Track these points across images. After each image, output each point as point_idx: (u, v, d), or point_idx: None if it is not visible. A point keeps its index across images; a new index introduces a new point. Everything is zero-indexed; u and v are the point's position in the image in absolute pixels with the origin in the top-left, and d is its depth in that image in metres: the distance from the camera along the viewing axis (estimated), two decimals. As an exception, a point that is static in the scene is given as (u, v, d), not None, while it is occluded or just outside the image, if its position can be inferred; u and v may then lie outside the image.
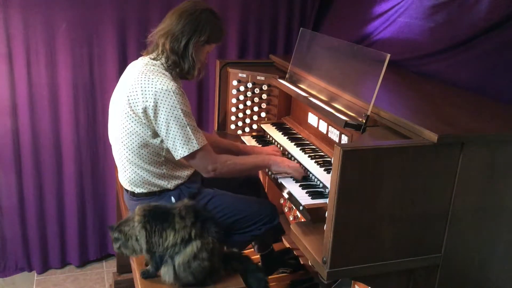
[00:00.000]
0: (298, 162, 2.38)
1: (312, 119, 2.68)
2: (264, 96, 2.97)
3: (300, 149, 2.53)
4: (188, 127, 2.06)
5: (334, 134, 2.45)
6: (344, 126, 2.07)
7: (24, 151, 3.06)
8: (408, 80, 2.57)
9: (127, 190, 2.27)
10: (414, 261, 1.80)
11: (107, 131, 2.31)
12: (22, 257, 3.25)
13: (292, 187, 2.20)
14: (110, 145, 2.29)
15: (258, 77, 2.96)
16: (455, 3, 2.48)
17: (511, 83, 2.18)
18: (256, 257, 2.63)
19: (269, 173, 2.40)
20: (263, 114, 3.01)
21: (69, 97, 3.05)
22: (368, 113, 2.01)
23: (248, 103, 2.99)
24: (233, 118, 3.04)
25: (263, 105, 2.99)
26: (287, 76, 2.82)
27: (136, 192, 2.22)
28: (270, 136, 2.80)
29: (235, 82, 2.99)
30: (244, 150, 2.54)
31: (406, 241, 1.77)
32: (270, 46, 3.44)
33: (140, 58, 2.24)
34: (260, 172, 2.98)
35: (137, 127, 2.08)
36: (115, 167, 2.37)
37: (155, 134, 2.10)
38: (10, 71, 2.93)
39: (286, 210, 3.15)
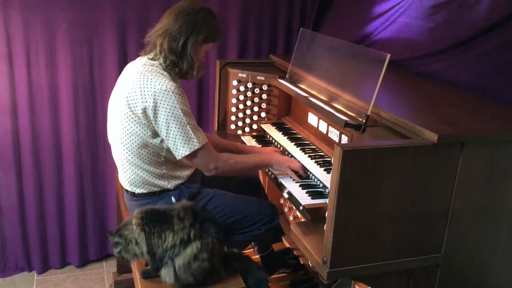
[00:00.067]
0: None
1: (312, 119, 2.68)
2: (264, 96, 2.97)
3: (300, 149, 2.53)
4: (188, 126, 2.06)
5: (334, 134, 2.45)
6: (344, 126, 2.07)
7: (24, 151, 3.06)
8: (408, 80, 2.57)
9: (127, 191, 2.27)
10: (414, 261, 1.80)
11: (107, 131, 2.31)
12: (22, 257, 3.25)
13: (292, 187, 2.20)
14: (110, 145, 2.29)
15: (258, 77, 2.96)
16: (455, 3, 2.48)
17: (511, 83, 2.18)
18: (255, 257, 2.63)
19: (269, 173, 2.40)
20: (263, 114, 3.01)
21: (69, 97, 3.05)
22: (368, 113, 2.01)
23: (248, 103, 2.99)
24: (233, 118, 3.04)
25: (263, 105, 2.99)
26: (287, 76, 2.82)
27: (136, 193, 2.22)
28: (270, 136, 2.80)
29: (235, 82, 2.99)
30: (243, 150, 2.54)
31: (406, 241, 1.77)
32: (270, 46, 3.44)
33: (138, 58, 2.24)
34: (260, 172, 2.98)
35: (136, 127, 2.08)
36: (115, 167, 2.37)
37: (155, 134, 2.10)
38: (10, 71, 2.93)
39: (286, 210, 3.15)
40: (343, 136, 2.36)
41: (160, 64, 2.15)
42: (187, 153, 2.08)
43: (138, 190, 2.21)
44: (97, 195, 3.31)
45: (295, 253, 2.85)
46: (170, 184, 2.20)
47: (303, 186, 2.20)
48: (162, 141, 2.11)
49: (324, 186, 2.16)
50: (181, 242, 1.91)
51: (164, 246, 1.91)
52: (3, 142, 3.02)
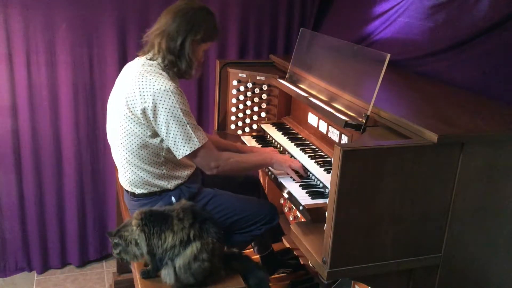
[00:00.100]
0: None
1: (312, 119, 2.68)
2: (264, 96, 2.97)
3: (300, 149, 2.53)
4: (188, 126, 2.06)
5: (334, 134, 2.45)
6: (344, 126, 2.07)
7: (24, 151, 3.06)
8: (408, 80, 2.57)
9: (127, 191, 2.27)
10: (414, 261, 1.81)
11: (106, 131, 2.31)
12: (22, 257, 3.25)
13: (292, 187, 2.20)
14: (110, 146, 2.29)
15: (258, 77, 2.96)
16: (455, 3, 2.48)
17: (511, 83, 2.18)
18: (255, 257, 2.63)
19: (269, 173, 2.40)
20: (263, 114, 3.01)
21: (69, 97, 3.05)
22: (368, 113, 2.01)
23: (248, 103, 2.99)
24: (233, 118, 3.04)
25: (263, 105, 2.99)
26: (287, 76, 2.82)
27: (136, 193, 2.22)
28: (270, 136, 2.80)
29: (235, 82, 2.99)
30: (243, 151, 2.54)
31: (406, 241, 1.77)
32: (270, 46, 3.44)
33: (136, 59, 2.24)
34: (260, 172, 2.99)
35: (136, 128, 2.08)
36: (115, 167, 2.37)
37: (154, 134, 2.10)
38: (10, 71, 2.92)
39: (286, 210, 3.16)
40: (343, 136, 2.36)
41: (159, 64, 2.15)
42: (187, 152, 2.08)
43: (138, 191, 2.21)
44: (97, 195, 3.31)
45: (295, 253, 2.85)
46: (170, 184, 2.20)
47: (303, 186, 2.20)
48: (161, 141, 2.11)
49: (324, 186, 2.16)
50: (181, 242, 1.91)
51: (164, 247, 1.91)
52: (3, 142, 3.02)
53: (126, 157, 2.15)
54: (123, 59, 3.08)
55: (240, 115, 3.01)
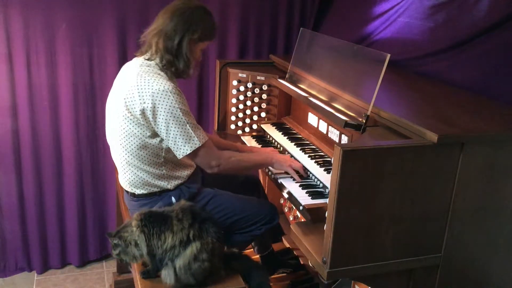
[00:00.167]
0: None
1: (312, 119, 2.68)
2: (264, 96, 2.97)
3: (300, 149, 2.53)
4: (188, 125, 2.06)
5: (334, 134, 2.45)
6: (344, 126, 2.07)
7: (24, 151, 3.06)
8: (408, 80, 2.57)
9: (127, 191, 2.27)
10: (414, 261, 1.81)
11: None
12: (22, 257, 3.25)
13: (292, 187, 2.20)
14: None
15: (258, 77, 2.96)
16: (455, 3, 2.48)
17: (511, 83, 2.18)
18: (255, 257, 2.63)
19: (269, 173, 2.40)
20: (263, 114, 3.01)
21: (69, 97, 3.05)
22: (368, 113, 2.01)
23: (248, 103, 2.99)
24: (233, 118, 3.04)
25: (263, 105, 2.99)
26: (287, 76, 2.82)
27: (136, 193, 2.21)
28: (270, 136, 2.80)
29: (235, 82, 2.99)
30: (243, 151, 2.54)
31: (406, 241, 1.77)
32: (270, 46, 3.44)
33: (134, 59, 2.23)
34: (260, 172, 2.99)
35: (135, 128, 2.08)
36: (115, 167, 2.37)
37: (154, 135, 2.09)
38: (10, 71, 2.93)
39: (286, 210, 3.16)
40: (343, 136, 2.36)
41: (157, 64, 2.14)
42: (188, 152, 2.08)
43: (138, 191, 2.21)
44: (97, 195, 3.31)
45: (295, 253, 2.85)
46: (170, 185, 2.20)
47: (303, 186, 2.20)
48: (161, 141, 2.11)
49: (324, 186, 2.16)
50: (181, 242, 1.91)
51: (164, 247, 1.91)
52: (3, 142, 3.02)
53: (126, 158, 2.15)
54: (123, 59, 3.08)
55: (240, 115, 3.01)
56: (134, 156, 2.12)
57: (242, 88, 2.98)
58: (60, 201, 3.22)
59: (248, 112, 3.01)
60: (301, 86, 2.66)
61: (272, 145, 2.74)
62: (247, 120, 3.01)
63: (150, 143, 2.10)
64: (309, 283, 2.71)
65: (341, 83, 2.32)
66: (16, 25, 2.86)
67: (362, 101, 2.10)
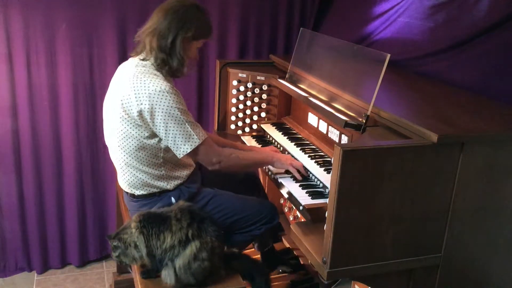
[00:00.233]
0: (298, 162, 2.38)
1: (312, 119, 2.68)
2: (264, 96, 2.97)
3: (300, 149, 2.53)
4: (187, 124, 2.06)
5: (334, 134, 2.45)
6: (344, 126, 2.07)
7: (24, 151, 3.06)
8: (408, 80, 2.57)
9: (126, 192, 2.27)
10: (414, 261, 1.81)
11: (106, 132, 2.30)
12: (22, 257, 3.25)
13: (292, 187, 2.20)
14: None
15: (258, 77, 2.96)
16: (455, 3, 2.48)
17: (511, 83, 2.18)
18: (257, 257, 2.63)
19: (269, 173, 2.40)
20: (263, 114, 3.01)
21: (69, 97, 3.05)
22: (368, 113, 2.01)
23: (248, 103, 2.99)
24: (233, 118, 3.04)
25: (263, 105, 2.99)
26: (287, 76, 2.82)
27: (136, 194, 2.21)
28: (270, 136, 2.80)
29: (235, 82, 2.99)
30: (243, 149, 2.53)
31: (406, 241, 1.77)
32: (270, 46, 3.44)
33: (129, 59, 2.22)
34: (260, 172, 2.99)
35: (133, 129, 2.07)
36: (115, 167, 2.37)
37: (152, 135, 2.09)
38: (10, 71, 2.92)
39: (286, 210, 3.16)
40: (343, 136, 2.36)
41: (152, 64, 2.12)
42: (188, 150, 2.07)
43: (137, 192, 2.20)
44: (97, 195, 3.31)
45: (295, 253, 2.85)
46: (169, 185, 2.20)
47: (303, 186, 2.20)
48: (159, 141, 2.10)
49: (324, 186, 2.16)
50: (180, 242, 1.91)
51: (163, 247, 1.91)
52: (3, 142, 3.02)
53: (124, 159, 2.14)
54: (123, 59, 3.05)
55: (240, 115, 3.01)
56: (132, 157, 2.12)
57: (242, 88, 2.98)
58: (60, 201, 3.22)
59: (248, 112, 3.00)
60: (301, 86, 2.66)
61: (272, 145, 2.74)
62: (247, 120, 3.01)
63: (148, 144, 2.10)
64: (309, 283, 2.71)
65: (341, 83, 2.32)
66: (16, 25, 2.86)
67: (362, 101, 2.10)
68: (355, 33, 3.06)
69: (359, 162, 1.61)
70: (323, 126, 2.56)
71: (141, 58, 2.15)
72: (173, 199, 2.19)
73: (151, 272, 2.00)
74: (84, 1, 2.95)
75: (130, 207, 2.30)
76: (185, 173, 2.24)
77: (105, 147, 3.16)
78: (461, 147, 1.72)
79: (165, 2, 2.16)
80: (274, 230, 2.68)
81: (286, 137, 2.72)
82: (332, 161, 1.63)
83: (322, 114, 2.38)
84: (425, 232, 1.78)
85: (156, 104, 2.01)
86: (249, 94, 2.97)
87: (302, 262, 2.81)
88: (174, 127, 2.04)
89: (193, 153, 2.10)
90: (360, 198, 1.65)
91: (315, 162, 2.36)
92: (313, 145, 2.59)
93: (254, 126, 3.01)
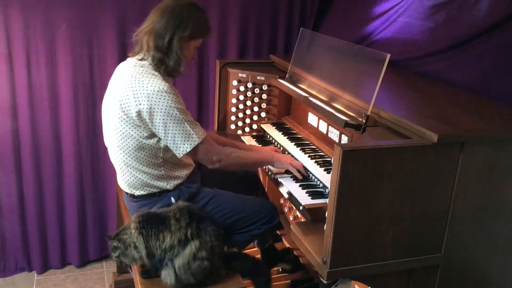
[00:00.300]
0: (298, 162, 2.38)
1: (312, 119, 2.68)
2: (264, 96, 2.97)
3: (300, 149, 2.53)
4: (186, 123, 2.05)
5: (334, 134, 2.45)
6: (344, 126, 2.07)
7: (24, 151, 3.06)
8: (408, 80, 2.57)
9: (126, 193, 2.27)
10: (414, 261, 1.81)
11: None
12: (22, 257, 3.25)
13: (292, 187, 2.20)
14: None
15: (258, 77, 2.96)
16: (455, 3, 2.48)
17: (511, 83, 2.18)
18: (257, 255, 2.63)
19: (269, 172, 2.40)
20: (263, 114, 3.01)
21: (69, 97, 3.05)
22: (368, 113, 2.01)
23: (248, 103, 2.99)
24: (233, 118, 3.04)
25: (263, 105, 2.99)
26: (287, 76, 2.82)
27: (136, 195, 2.21)
28: (270, 136, 2.80)
29: (235, 82, 2.99)
30: (243, 149, 2.54)
31: (406, 241, 1.77)
32: (270, 46, 3.44)
33: (128, 59, 2.21)
34: (260, 172, 2.99)
35: (131, 130, 2.07)
36: (115, 168, 2.37)
37: (151, 135, 2.08)
38: (10, 71, 2.92)
39: (286, 210, 3.16)
40: (343, 136, 2.36)
41: (150, 64, 2.12)
42: (188, 149, 2.07)
43: (137, 192, 2.20)
44: (97, 195, 3.31)
45: (295, 253, 2.85)
46: (169, 185, 2.20)
47: (303, 186, 2.20)
48: (158, 141, 2.10)
49: (324, 186, 2.16)
50: (179, 242, 1.91)
51: (162, 247, 1.91)
52: (3, 142, 3.02)
53: (124, 160, 2.14)
54: (123, 59, 3.02)
55: (240, 115, 3.01)
56: (131, 158, 2.12)
57: (242, 88, 2.98)
58: (60, 201, 3.22)
59: (248, 112, 3.01)
60: (301, 86, 2.66)
61: (272, 145, 2.74)
62: (247, 120, 3.01)
63: (148, 144, 2.10)
64: (309, 283, 2.71)
65: (341, 83, 2.32)
66: (16, 25, 2.86)
67: (362, 101, 2.10)
68: (355, 33, 3.06)
69: (359, 162, 1.61)
70: (323, 126, 2.56)
71: (139, 58, 2.14)
72: (172, 199, 2.19)
73: (151, 272, 2.00)
74: (84, 1, 2.95)
75: (130, 207, 2.30)
76: (184, 173, 2.24)
77: (105, 147, 3.17)
78: (461, 147, 1.72)
79: (163, 2, 2.15)
80: (274, 229, 2.68)
81: (286, 137, 2.72)
82: (332, 161, 1.63)
83: (322, 114, 2.38)
84: (425, 232, 1.78)
85: (154, 104, 2.01)
86: (249, 94, 2.97)
87: (302, 262, 2.81)
88: (173, 126, 2.04)
89: (193, 152, 2.10)
90: (360, 198, 1.65)
91: (315, 162, 2.36)
92: (313, 145, 2.59)
93: (254, 126, 3.01)
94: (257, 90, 2.96)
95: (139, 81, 2.03)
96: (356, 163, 1.60)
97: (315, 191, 2.15)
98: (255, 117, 3.00)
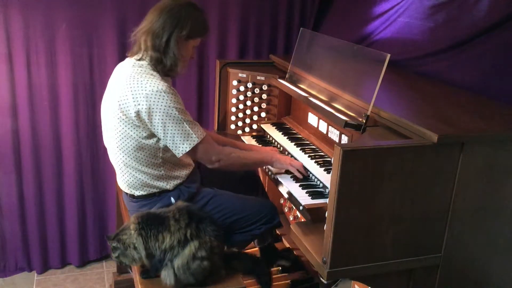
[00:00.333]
0: (298, 162, 2.38)
1: (312, 119, 2.68)
2: (264, 96, 2.97)
3: (300, 149, 2.53)
4: (185, 123, 2.05)
5: (334, 134, 2.45)
6: (344, 126, 2.07)
7: (24, 151, 3.06)
8: (408, 80, 2.57)
9: (126, 193, 2.27)
10: (414, 261, 1.81)
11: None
12: (22, 257, 3.25)
13: (292, 187, 2.20)
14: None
15: (258, 77, 2.96)
16: (455, 3, 2.48)
17: (511, 83, 2.18)
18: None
19: (269, 173, 2.40)
20: (263, 114, 3.01)
21: (69, 97, 3.05)
22: (368, 113, 2.01)
23: (248, 103, 2.99)
24: (233, 118, 3.04)
25: (263, 105, 2.99)
26: (287, 76, 2.82)
27: (135, 195, 2.21)
28: (270, 136, 2.80)
29: (235, 82, 2.99)
30: (243, 149, 2.54)
31: (406, 241, 1.77)
32: (270, 46, 3.44)
33: (126, 59, 2.21)
34: (260, 172, 2.99)
35: (130, 130, 2.07)
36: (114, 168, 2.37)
37: (150, 135, 2.08)
38: (10, 71, 2.92)
39: (286, 210, 3.16)
40: (343, 136, 2.36)
41: (148, 64, 2.12)
42: (187, 149, 2.07)
43: (137, 192, 2.20)
44: (97, 195, 3.31)
45: (295, 253, 2.85)
46: (169, 185, 2.20)
47: (303, 186, 2.20)
48: (157, 141, 2.09)
49: (324, 186, 2.16)
50: (179, 242, 1.91)
51: (162, 248, 1.91)
52: (3, 142, 3.02)
53: (123, 160, 2.14)
54: (123, 59, 3.05)
55: (240, 115, 3.01)
56: (131, 158, 2.12)
57: (242, 88, 2.98)
58: (60, 201, 3.22)
59: (248, 112, 3.01)
60: (301, 86, 2.66)
61: (272, 145, 2.74)
62: (247, 120, 3.01)
63: (147, 144, 2.09)
64: (309, 283, 2.70)
65: (341, 83, 2.32)
66: (16, 25, 2.86)
67: (362, 101, 2.10)
68: (355, 33, 3.06)
69: (359, 162, 1.61)
70: (323, 126, 2.56)
71: (137, 58, 2.14)
72: (172, 199, 2.19)
73: (151, 272, 2.00)
74: (84, 1, 2.95)
75: (130, 207, 2.30)
76: (184, 172, 2.24)
77: (105, 147, 3.18)
78: (461, 147, 1.72)
79: (161, 1, 2.15)
80: (274, 229, 2.68)
81: (286, 137, 2.72)
82: (332, 161, 1.63)
83: (322, 114, 2.38)
84: (425, 232, 1.78)
85: (153, 104, 2.00)
86: (249, 94, 2.97)
87: (301, 262, 2.81)
88: (172, 126, 2.04)
89: (192, 151, 2.09)
90: (360, 198, 1.65)
91: (315, 162, 2.36)
92: (313, 145, 2.59)
93: (254, 126, 3.01)
94: (257, 90, 2.96)
95: (138, 81, 2.03)
96: (356, 163, 1.60)
97: (315, 191, 2.15)
98: (255, 117, 3.00)
